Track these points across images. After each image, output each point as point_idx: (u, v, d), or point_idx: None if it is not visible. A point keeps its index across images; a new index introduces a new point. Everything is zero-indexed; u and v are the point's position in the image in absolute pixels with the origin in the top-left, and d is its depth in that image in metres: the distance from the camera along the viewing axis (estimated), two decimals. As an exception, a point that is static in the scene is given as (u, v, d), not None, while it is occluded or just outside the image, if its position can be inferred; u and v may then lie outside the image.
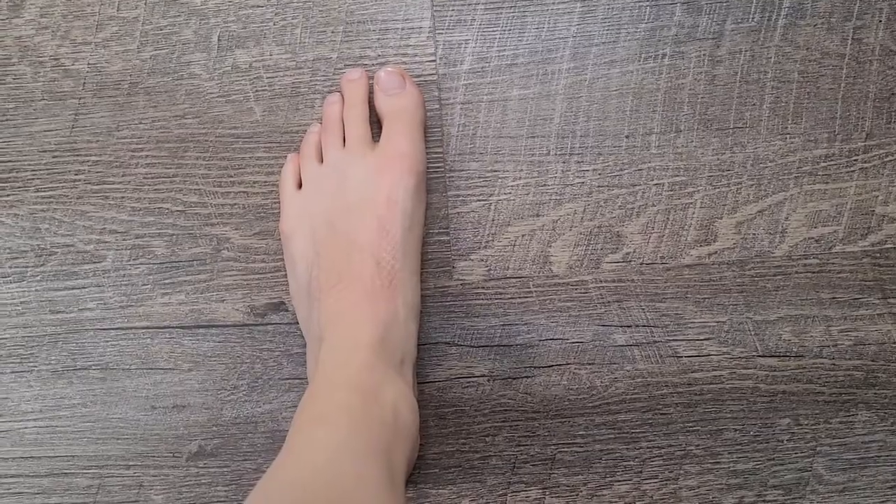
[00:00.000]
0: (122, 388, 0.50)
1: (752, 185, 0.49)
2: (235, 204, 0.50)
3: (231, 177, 0.50)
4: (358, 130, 0.48)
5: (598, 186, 0.50)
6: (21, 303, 0.50)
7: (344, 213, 0.46)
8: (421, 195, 0.47)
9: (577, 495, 0.49)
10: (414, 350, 0.46)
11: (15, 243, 0.50)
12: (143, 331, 0.50)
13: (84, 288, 0.50)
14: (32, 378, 0.50)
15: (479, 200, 0.50)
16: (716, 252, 0.49)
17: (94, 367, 0.50)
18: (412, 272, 0.46)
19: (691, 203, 0.49)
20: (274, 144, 0.50)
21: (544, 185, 0.50)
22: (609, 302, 0.49)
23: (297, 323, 0.49)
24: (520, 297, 0.49)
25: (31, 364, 0.50)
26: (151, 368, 0.50)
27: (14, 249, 0.50)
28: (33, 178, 0.50)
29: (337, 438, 0.37)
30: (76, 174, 0.50)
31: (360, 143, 0.47)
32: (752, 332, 0.49)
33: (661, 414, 0.49)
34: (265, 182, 0.50)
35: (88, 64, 0.50)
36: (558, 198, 0.50)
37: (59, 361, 0.50)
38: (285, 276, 0.49)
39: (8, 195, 0.50)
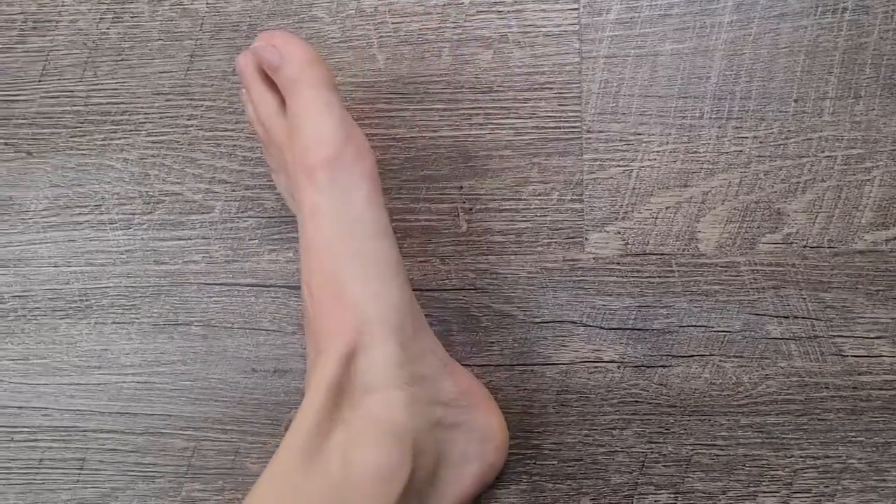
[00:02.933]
0: (223, 347, 0.47)
1: (945, 162, 0.42)
2: (352, 158, 0.46)
3: (349, 128, 0.46)
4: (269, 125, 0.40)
5: (759, 156, 0.44)
6: (126, 251, 0.47)
7: None
8: (339, 184, 0.36)
9: (713, 504, 0.43)
10: (391, 376, 0.36)
11: (123, 189, 0.47)
12: (248, 288, 0.47)
13: (190, 239, 0.47)
14: (133, 330, 0.47)
15: (618, 166, 0.44)
16: (895, 238, 0.43)
17: (195, 324, 0.47)
18: (371, 283, 0.36)
19: (868, 180, 0.43)
20: (395, 95, 0.46)
21: (695, 151, 0.44)
22: (764, 288, 0.43)
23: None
24: (660, 277, 0.44)
25: (133, 315, 0.47)
26: (254, 329, 0.47)
27: (122, 195, 0.47)
28: (145, 122, 0.47)
29: None
30: (188, 119, 0.47)
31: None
32: (935, 334, 0.42)
33: (819, 419, 0.43)
34: (385, 135, 0.46)
35: (207, 3, 0.47)
36: (711, 167, 0.44)
37: (161, 315, 0.47)
38: (401, 238, 0.46)
39: (119, 138, 0.47)
